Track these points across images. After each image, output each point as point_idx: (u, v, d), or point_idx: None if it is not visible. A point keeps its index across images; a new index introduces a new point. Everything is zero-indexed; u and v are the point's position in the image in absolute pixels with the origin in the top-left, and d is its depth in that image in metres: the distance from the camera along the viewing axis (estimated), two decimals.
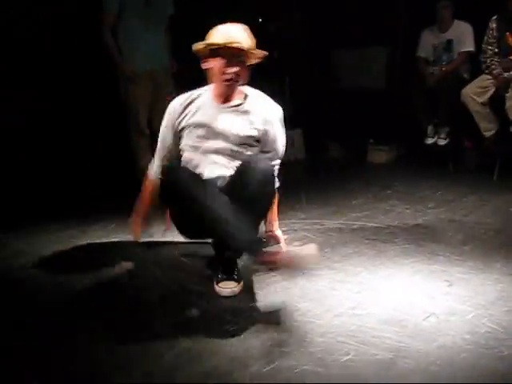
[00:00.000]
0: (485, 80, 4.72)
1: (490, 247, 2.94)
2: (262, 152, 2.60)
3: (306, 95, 6.01)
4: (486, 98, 4.66)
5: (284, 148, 2.69)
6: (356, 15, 5.92)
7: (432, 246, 2.94)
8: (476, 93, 4.68)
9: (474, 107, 4.68)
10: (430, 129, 5.16)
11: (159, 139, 2.73)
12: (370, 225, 3.38)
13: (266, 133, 2.57)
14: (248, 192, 2.34)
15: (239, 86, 2.58)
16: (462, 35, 5.16)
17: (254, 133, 2.56)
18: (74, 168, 4.70)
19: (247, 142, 2.56)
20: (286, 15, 6.20)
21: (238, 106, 2.58)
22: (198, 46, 2.51)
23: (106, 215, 3.56)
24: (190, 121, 2.58)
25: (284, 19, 6.16)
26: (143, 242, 2.98)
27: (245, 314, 2.18)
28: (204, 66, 2.55)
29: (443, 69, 5.17)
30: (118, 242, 3.15)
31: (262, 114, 2.57)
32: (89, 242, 3.16)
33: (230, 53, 2.43)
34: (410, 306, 2.23)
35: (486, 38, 4.84)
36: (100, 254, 2.99)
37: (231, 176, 2.49)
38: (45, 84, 4.75)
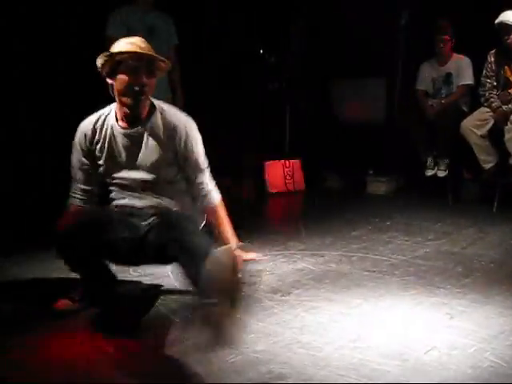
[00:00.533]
0: (484, 113, 4.75)
1: (491, 280, 2.92)
2: (185, 172, 2.48)
3: (306, 126, 6.06)
4: (485, 130, 4.69)
5: (204, 157, 2.52)
6: (356, 47, 5.99)
7: (432, 279, 2.93)
8: (475, 125, 4.71)
9: (473, 140, 4.70)
10: (429, 160, 5.17)
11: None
12: (370, 256, 3.36)
13: (182, 147, 2.43)
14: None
15: (147, 101, 2.40)
16: (461, 69, 5.21)
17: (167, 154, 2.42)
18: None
19: (161, 165, 2.43)
20: (286, 46, 6.27)
21: (145, 127, 2.41)
22: (102, 57, 2.32)
23: None
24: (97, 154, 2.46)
25: (284, 50, 6.23)
26: None
27: (244, 346, 2.14)
28: (110, 82, 2.36)
29: (442, 101, 5.21)
30: None
31: (174, 130, 2.42)
32: None
33: (135, 64, 2.29)
34: (411, 339, 2.20)
35: (484, 71, 4.89)
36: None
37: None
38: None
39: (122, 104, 2.37)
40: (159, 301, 2.64)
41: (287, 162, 5.72)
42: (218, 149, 4.47)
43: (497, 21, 4.65)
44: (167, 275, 2.89)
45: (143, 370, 2.00)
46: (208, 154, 2.53)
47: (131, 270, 2.94)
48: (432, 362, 2.00)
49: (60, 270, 2.67)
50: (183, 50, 4.44)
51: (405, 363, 1.99)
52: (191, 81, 4.49)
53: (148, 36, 4.07)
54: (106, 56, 2.32)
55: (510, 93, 4.72)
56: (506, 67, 4.76)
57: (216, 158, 4.54)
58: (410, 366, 1.98)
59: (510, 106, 4.64)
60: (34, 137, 4.63)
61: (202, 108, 4.55)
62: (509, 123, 4.59)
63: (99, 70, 2.36)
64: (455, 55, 5.26)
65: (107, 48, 3.96)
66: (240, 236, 3.73)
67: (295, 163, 5.77)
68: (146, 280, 2.89)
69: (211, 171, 2.55)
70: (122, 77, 2.31)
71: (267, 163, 5.68)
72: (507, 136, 4.56)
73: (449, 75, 5.25)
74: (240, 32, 5.82)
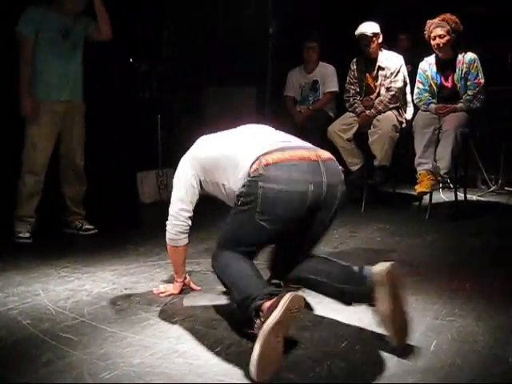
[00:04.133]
0: (349, 118, 4.98)
1: None
2: None
3: (177, 134, 6.02)
4: (350, 134, 4.91)
5: None
6: (227, 56, 6.06)
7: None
8: (341, 130, 4.92)
9: (339, 143, 4.90)
10: None
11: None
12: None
13: None
14: None
15: None
16: (327, 76, 5.44)
17: None
18: None
19: None
20: (157, 54, 6.20)
21: None
22: None
23: None
24: None
25: (155, 58, 6.15)
26: None
27: (119, 360, 2.06)
28: None
29: (310, 108, 5.40)
30: None
31: None
32: None
33: None
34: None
35: (348, 78, 5.13)
36: None
37: None
38: None
39: None
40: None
41: (160, 171, 5.63)
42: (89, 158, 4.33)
43: (356, 32, 4.90)
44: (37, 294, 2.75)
45: None
46: None
47: None
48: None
49: None
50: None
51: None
52: None
53: (60, 38, 3.89)
54: None
55: (371, 98, 4.98)
56: (367, 75, 5.03)
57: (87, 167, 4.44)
58: (286, 366, 2.00)
59: (372, 110, 4.89)
60: None
61: None
62: (372, 127, 4.85)
63: None
64: (321, 63, 5.49)
65: (19, 44, 3.79)
66: (113, 247, 3.69)
67: (169, 172, 5.68)
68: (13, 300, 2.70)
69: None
70: None
71: (140, 173, 5.57)
72: (371, 139, 4.81)
73: (315, 82, 5.46)
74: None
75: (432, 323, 2.34)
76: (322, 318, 2.45)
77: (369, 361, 2.02)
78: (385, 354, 2.05)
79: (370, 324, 2.25)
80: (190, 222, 2.62)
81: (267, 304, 1.99)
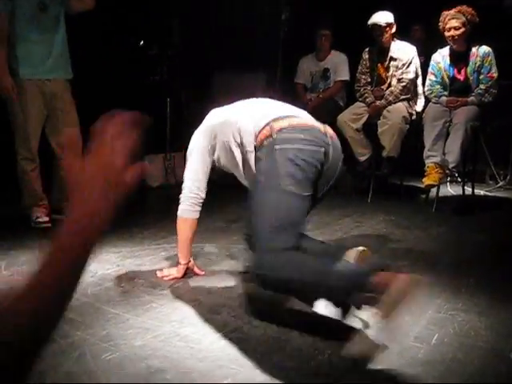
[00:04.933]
0: (359, 107, 4.95)
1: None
2: None
3: (187, 118, 6.00)
4: (360, 124, 4.87)
5: None
6: (239, 41, 6.03)
7: None
8: (351, 119, 4.89)
9: (348, 133, 4.87)
10: None
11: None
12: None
13: None
14: None
15: None
16: (338, 65, 5.41)
17: None
18: None
19: None
20: (168, 39, 6.17)
21: None
22: None
23: None
24: None
25: (165, 43, 6.12)
26: None
27: (121, 342, 2.08)
28: None
29: (320, 96, 5.37)
30: None
31: None
32: None
33: None
34: (289, 328, 2.23)
35: (359, 68, 5.09)
36: None
37: None
38: None
39: None
40: None
41: (168, 154, 5.62)
42: None
43: (369, 22, 4.85)
44: None
45: None
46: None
47: None
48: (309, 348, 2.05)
49: None
50: None
51: (282, 351, 2.03)
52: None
53: (39, 13, 3.81)
54: None
55: (382, 89, 4.95)
56: (379, 65, 4.99)
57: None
58: (288, 354, 2.01)
59: (382, 101, 4.86)
60: None
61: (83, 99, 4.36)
62: (381, 118, 4.82)
63: None
64: (333, 51, 5.46)
65: None
66: (119, 229, 3.69)
67: (177, 156, 5.69)
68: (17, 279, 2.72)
69: None
70: None
71: (147, 156, 5.56)
72: (380, 130, 4.78)
73: (326, 70, 5.43)
74: (120, 23, 5.65)
75: (434, 317, 2.34)
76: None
77: None
78: (385, 346, 2.05)
79: (370, 317, 2.25)
80: (203, 195, 2.64)
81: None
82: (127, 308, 2.40)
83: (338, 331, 2.16)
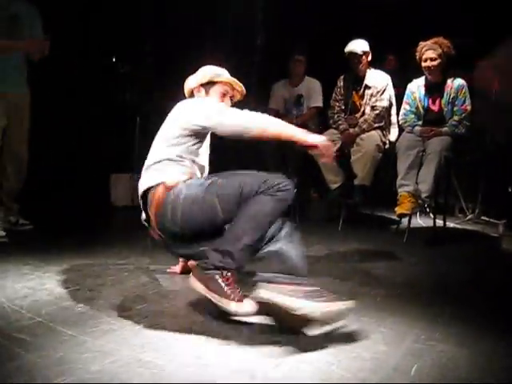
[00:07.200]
0: (332, 134, 4.88)
1: (336, 294, 2.91)
2: None
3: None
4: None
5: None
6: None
7: None
8: None
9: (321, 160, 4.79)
10: None
11: None
12: None
13: None
14: None
15: None
16: (312, 91, 5.36)
17: None
18: None
19: None
20: (139, 56, 6.07)
21: None
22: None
23: None
24: None
25: (136, 60, 6.01)
26: None
27: (77, 366, 1.89)
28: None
29: (293, 122, 5.29)
30: None
31: None
32: None
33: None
34: (259, 354, 2.09)
35: (334, 94, 5.06)
36: None
37: None
38: None
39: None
40: None
41: (135, 174, 5.46)
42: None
43: (346, 49, 4.84)
44: None
45: None
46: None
47: None
48: (280, 377, 1.91)
49: None
50: None
51: (254, 379, 1.88)
52: (39, 89, 4.18)
53: (10, 24, 3.76)
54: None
55: (356, 117, 4.91)
56: (353, 92, 4.96)
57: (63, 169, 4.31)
58: (259, 381, 1.86)
59: (356, 129, 4.81)
60: None
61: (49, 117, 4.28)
62: (355, 145, 4.77)
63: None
64: (307, 78, 5.41)
65: None
66: (81, 247, 3.52)
67: None
68: None
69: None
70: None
71: (113, 176, 5.40)
72: (354, 157, 4.72)
73: (300, 96, 5.38)
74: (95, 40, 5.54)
75: (412, 347, 2.22)
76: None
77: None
78: (363, 375, 1.92)
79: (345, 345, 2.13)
80: None
81: None
82: (84, 329, 2.22)
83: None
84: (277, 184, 2.39)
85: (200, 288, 2.41)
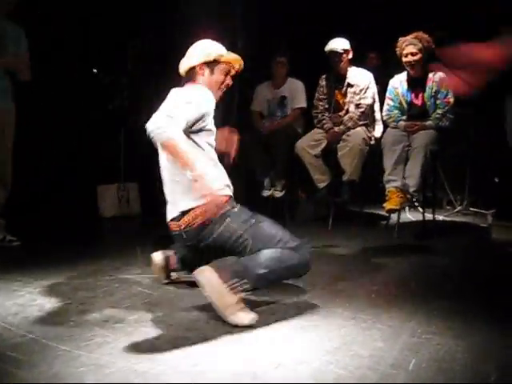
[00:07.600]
0: (317, 134, 4.88)
1: (330, 293, 2.92)
2: None
3: (141, 148, 5.84)
4: (318, 150, 4.80)
5: None
6: None
7: (272, 296, 2.82)
8: (309, 146, 4.81)
9: (307, 159, 4.80)
10: (266, 181, 5.19)
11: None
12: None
13: None
14: None
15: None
16: (295, 92, 5.35)
17: None
18: None
19: None
20: (123, 68, 6.03)
21: None
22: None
23: None
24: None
25: (119, 71, 5.98)
26: None
27: (71, 381, 1.86)
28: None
29: (278, 123, 5.30)
30: None
31: None
32: None
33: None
34: (258, 356, 2.08)
35: (317, 94, 5.06)
36: None
37: None
38: None
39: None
40: None
41: (122, 185, 5.44)
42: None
43: (326, 48, 4.84)
44: None
45: None
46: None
47: None
48: (281, 378, 1.89)
49: None
50: None
51: (255, 380, 1.86)
52: (23, 102, 4.15)
53: None
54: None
55: (340, 115, 4.91)
56: (336, 91, 4.96)
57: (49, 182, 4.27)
58: (261, 382, 1.85)
59: (341, 127, 4.82)
60: None
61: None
62: (341, 141, 4.76)
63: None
64: (289, 79, 5.40)
65: None
66: (70, 260, 3.48)
67: (130, 187, 5.51)
68: None
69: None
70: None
71: (100, 187, 5.36)
72: (340, 153, 4.72)
73: (283, 98, 5.36)
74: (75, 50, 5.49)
75: (408, 341, 2.21)
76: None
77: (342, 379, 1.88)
78: (361, 373, 1.91)
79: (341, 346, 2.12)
80: None
81: None
82: (78, 344, 2.18)
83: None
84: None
85: (207, 283, 2.43)
